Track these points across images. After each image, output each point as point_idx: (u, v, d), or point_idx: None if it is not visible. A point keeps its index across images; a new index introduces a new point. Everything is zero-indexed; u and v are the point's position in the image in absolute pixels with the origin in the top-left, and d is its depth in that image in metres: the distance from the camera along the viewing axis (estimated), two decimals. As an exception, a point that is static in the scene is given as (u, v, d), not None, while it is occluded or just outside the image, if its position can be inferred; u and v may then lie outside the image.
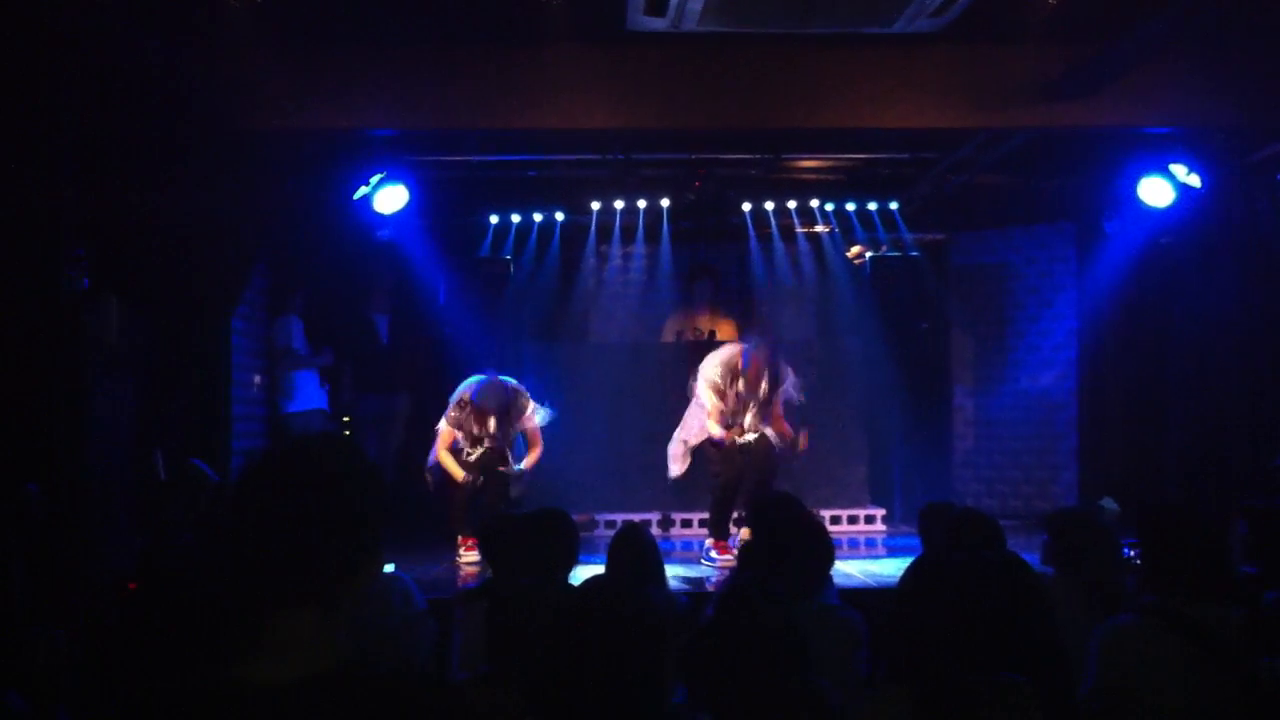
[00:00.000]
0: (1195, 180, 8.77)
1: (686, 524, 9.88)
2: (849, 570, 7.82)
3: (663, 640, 2.70)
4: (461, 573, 8.06)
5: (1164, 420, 10.12)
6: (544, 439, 8.84)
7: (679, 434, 8.78)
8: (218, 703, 1.80)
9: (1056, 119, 7.94)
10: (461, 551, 8.43)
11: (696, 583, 7.53)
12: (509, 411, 8.62)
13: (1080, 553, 4.71)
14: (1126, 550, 5.57)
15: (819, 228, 11.02)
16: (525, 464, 8.72)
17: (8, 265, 6.10)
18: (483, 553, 5.49)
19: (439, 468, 8.63)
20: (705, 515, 9.66)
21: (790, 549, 4.50)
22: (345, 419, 10.14)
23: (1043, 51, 7.65)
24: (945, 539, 4.94)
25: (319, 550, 1.85)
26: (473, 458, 8.57)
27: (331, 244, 9.85)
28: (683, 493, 9.86)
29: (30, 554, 4.09)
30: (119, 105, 6.64)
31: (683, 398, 8.85)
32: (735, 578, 4.95)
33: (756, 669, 3.15)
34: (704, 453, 8.69)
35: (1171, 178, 8.88)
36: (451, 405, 8.61)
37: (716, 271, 11.50)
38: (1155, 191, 9.02)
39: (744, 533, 8.58)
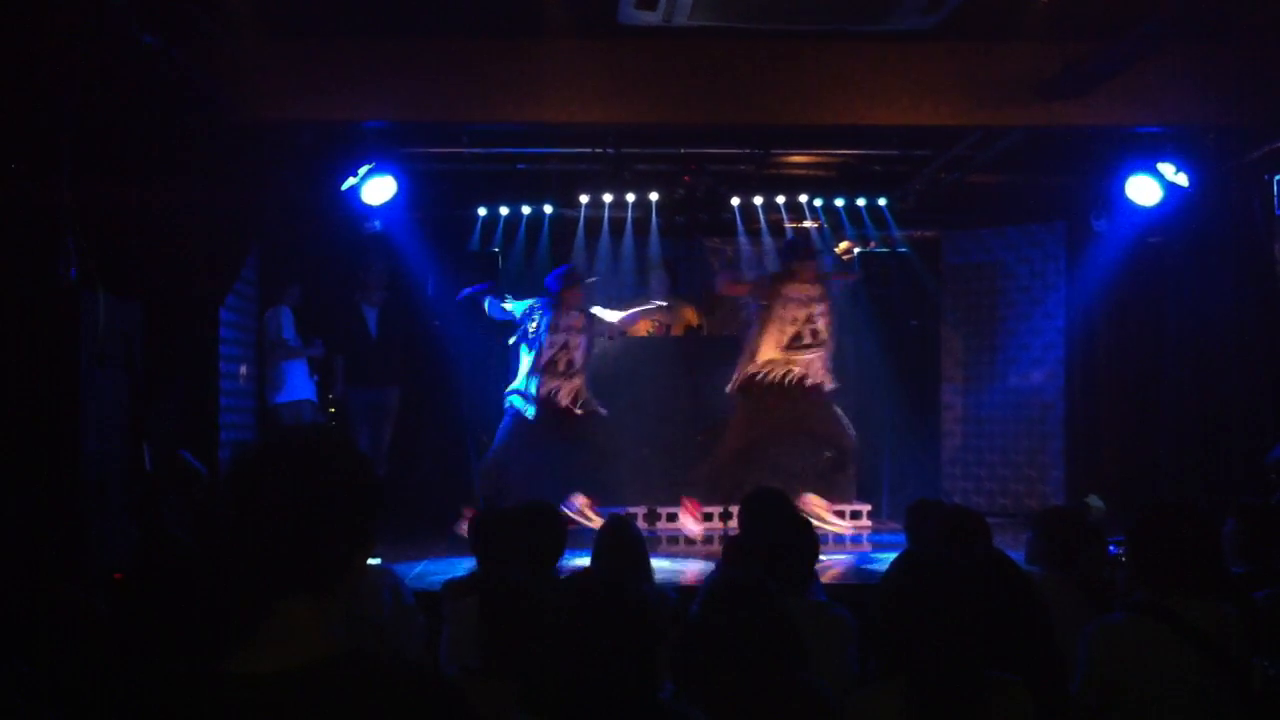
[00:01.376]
0: (1183, 179, 8.78)
1: (673, 518, 9.85)
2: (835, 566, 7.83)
3: (657, 635, 2.69)
4: None
5: (1155, 418, 10.15)
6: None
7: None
8: (215, 693, 1.80)
9: (1051, 118, 7.95)
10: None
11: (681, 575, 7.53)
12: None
13: (1069, 551, 4.72)
14: (1113, 549, 5.59)
15: (808, 223, 11.01)
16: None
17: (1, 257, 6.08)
18: (471, 547, 5.47)
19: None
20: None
21: (777, 544, 4.50)
22: (332, 410, 10.11)
23: (1037, 50, 7.66)
24: (932, 536, 4.94)
25: (313, 539, 1.86)
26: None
27: (323, 235, 9.81)
28: (669, 486, 9.85)
29: (29, 547, 4.07)
30: (110, 97, 6.61)
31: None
32: (724, 573, 4.95)
33: (750, 664, 3.15)
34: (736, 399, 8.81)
35: (1159, 177, 8.89)
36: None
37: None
38: (1143, 190, 9.02)
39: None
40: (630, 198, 10.57)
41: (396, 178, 8.98)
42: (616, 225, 10.83)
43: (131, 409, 6.80)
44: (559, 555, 5.05)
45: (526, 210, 10.70)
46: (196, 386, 8.43)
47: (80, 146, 6.34)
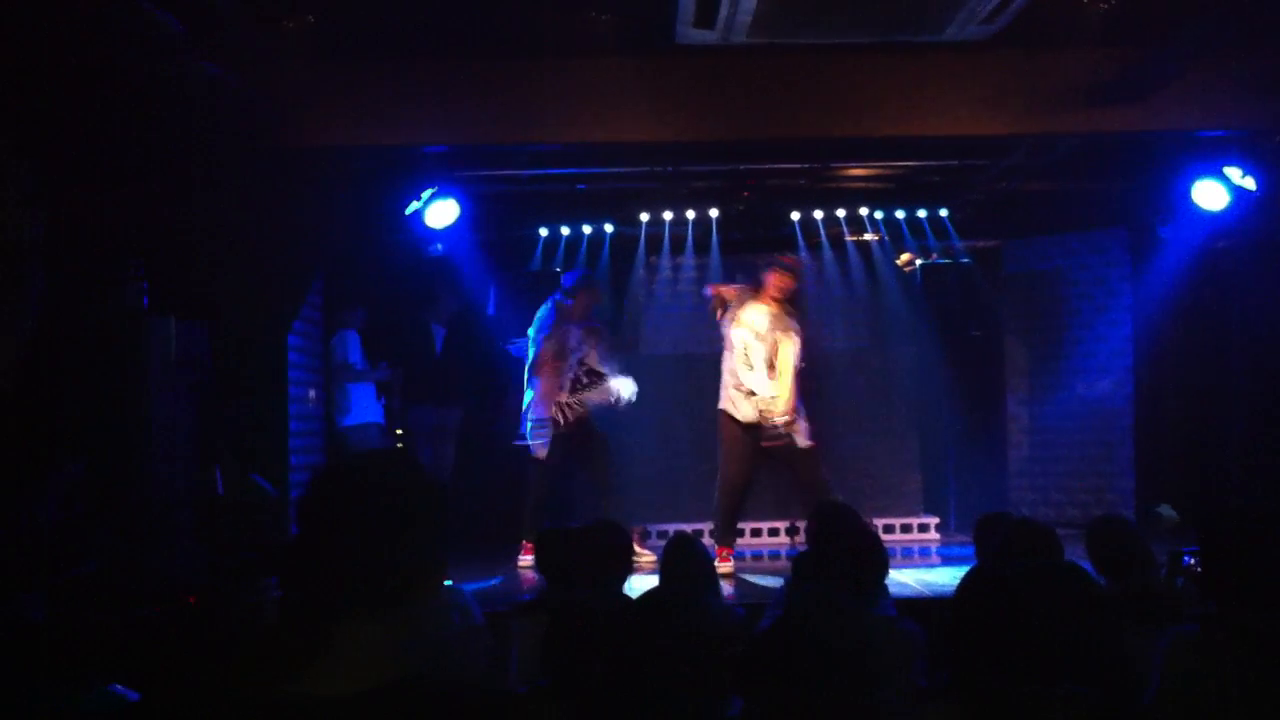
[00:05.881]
0: (1250, 183, 8.65)
1: (739, 533, 9.84)
2: (904, 580, 7.78)
3: (720, 652, 2.70)
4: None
5: (1224, 426, 9.98)
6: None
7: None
8: (283, 714, 1.82)
9: (1109, 124, 7.86)
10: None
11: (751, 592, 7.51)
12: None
13: (1118, 561, 4.69)
14: (1187, 559, 5.53)
15: (868, 236, 10.97)
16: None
17: (71, 282, 6.19)
18: (538, 566, 5.51)
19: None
20: (759, 525, 9.70)
21: (846, 559, 4.49)
22: (399, 431, 10.19)
23: (1094, 55, 7.60)
24: (1001, 549, 4.91)
25: (383, 561, 1.87)
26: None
27: (387, 258, 9.92)
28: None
29: (97, 568, 4.16)
30: (176, 126, 6.73)
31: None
32: (794, 588, 4.94)
33: (816, 681, 3.14)
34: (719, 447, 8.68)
35: (1226, 181, 8.76)
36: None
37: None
38: (1209, 195, 8.90)
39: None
40: (690, 215, 10.59)
41: (458, 200, 9.08)
42: (677, 243, 10.85)
43: (200, 432, 6.91)
44: (626, 573, 5.07)
45: (587, 229, 10.75)
46: (266, 409, 8.52)
47: (146, 172, 6.45)
